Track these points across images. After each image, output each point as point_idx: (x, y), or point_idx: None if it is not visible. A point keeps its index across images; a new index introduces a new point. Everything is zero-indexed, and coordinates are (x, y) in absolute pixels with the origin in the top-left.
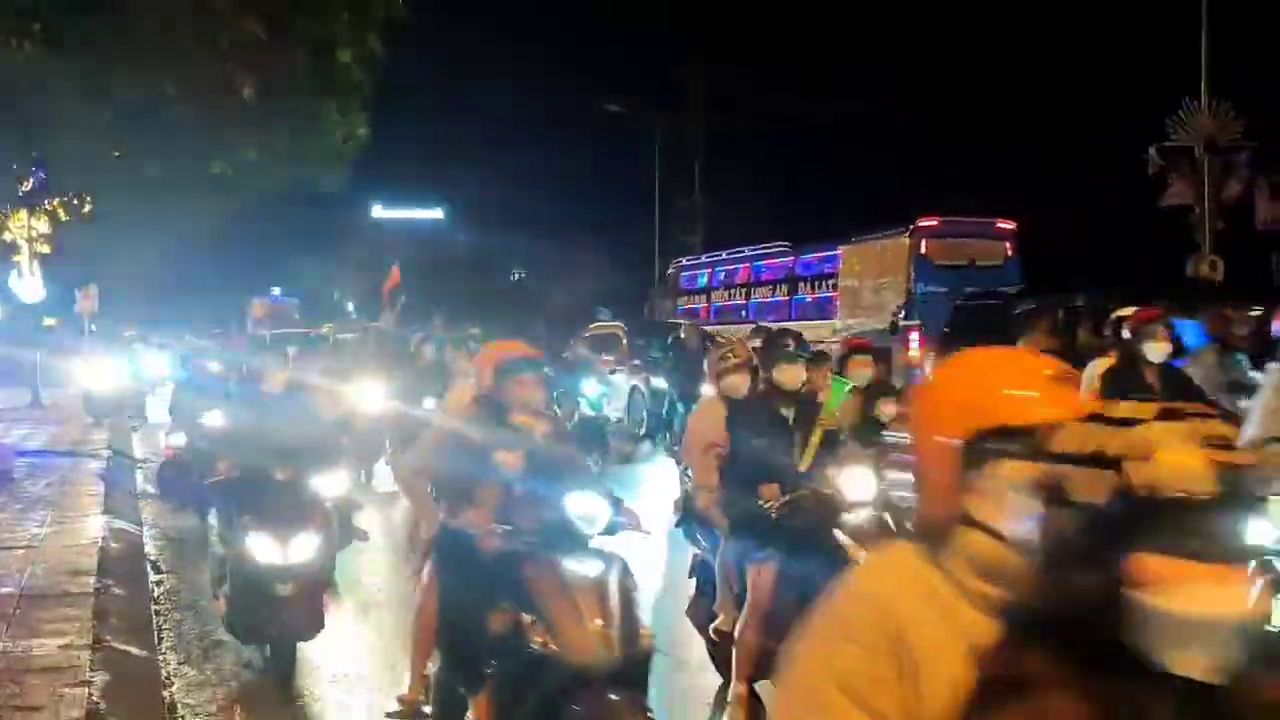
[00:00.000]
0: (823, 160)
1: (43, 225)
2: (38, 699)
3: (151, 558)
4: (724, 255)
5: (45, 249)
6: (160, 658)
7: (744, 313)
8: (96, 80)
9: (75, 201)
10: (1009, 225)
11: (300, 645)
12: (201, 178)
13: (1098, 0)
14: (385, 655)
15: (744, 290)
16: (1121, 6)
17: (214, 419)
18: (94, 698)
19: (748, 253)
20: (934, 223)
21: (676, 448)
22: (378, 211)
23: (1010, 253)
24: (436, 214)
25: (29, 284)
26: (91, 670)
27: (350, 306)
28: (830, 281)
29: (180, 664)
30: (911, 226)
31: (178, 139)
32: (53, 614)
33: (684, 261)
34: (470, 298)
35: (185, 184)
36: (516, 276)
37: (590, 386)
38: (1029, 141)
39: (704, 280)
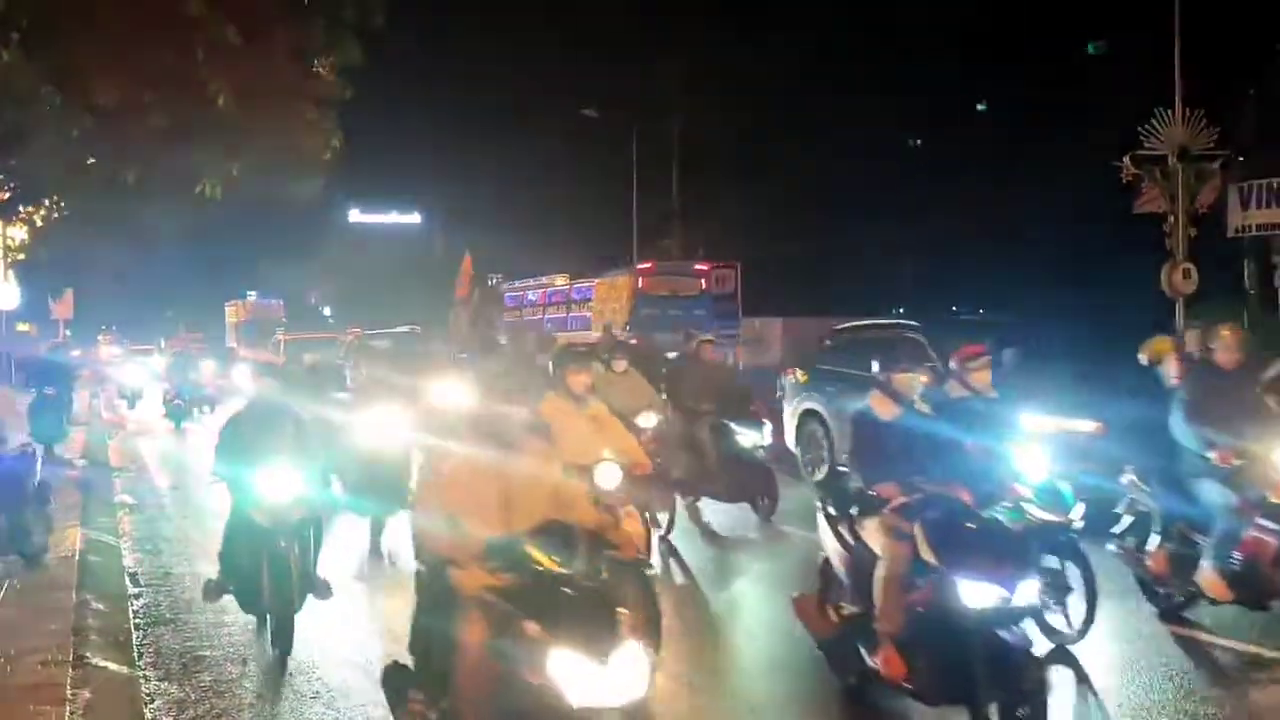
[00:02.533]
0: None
1: (20, 232)
2: (18, 718)
3: (130, 571)
4: (530, 281)
5: (21, 256)
6: (140, 675)
7: (545, 325)
8: (74, 87)
9: (50, 208)
10: (704, 266)
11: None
12: (178, 184)
13: (1076, 9)
14: (367, 671)
15: (541, 308)
16: (1096, 15)
17: None
18: (74, 716)
19: (543, 280)
20: (648, 265)
21: None
22: (354, 215)
23: (704, 286)
24: (414, 218)
25: (4, 291)
26: (72, 688)
27: (327, 311)
28: (590, 304)
29: (161, 681)
30: (634, 268)
31: (154, 146)
32: (32, 630)
33: (504, 285)
34: (450, 301)
35: (161, 190)
36: (492, 280)
37: None
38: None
39: (516, 300)
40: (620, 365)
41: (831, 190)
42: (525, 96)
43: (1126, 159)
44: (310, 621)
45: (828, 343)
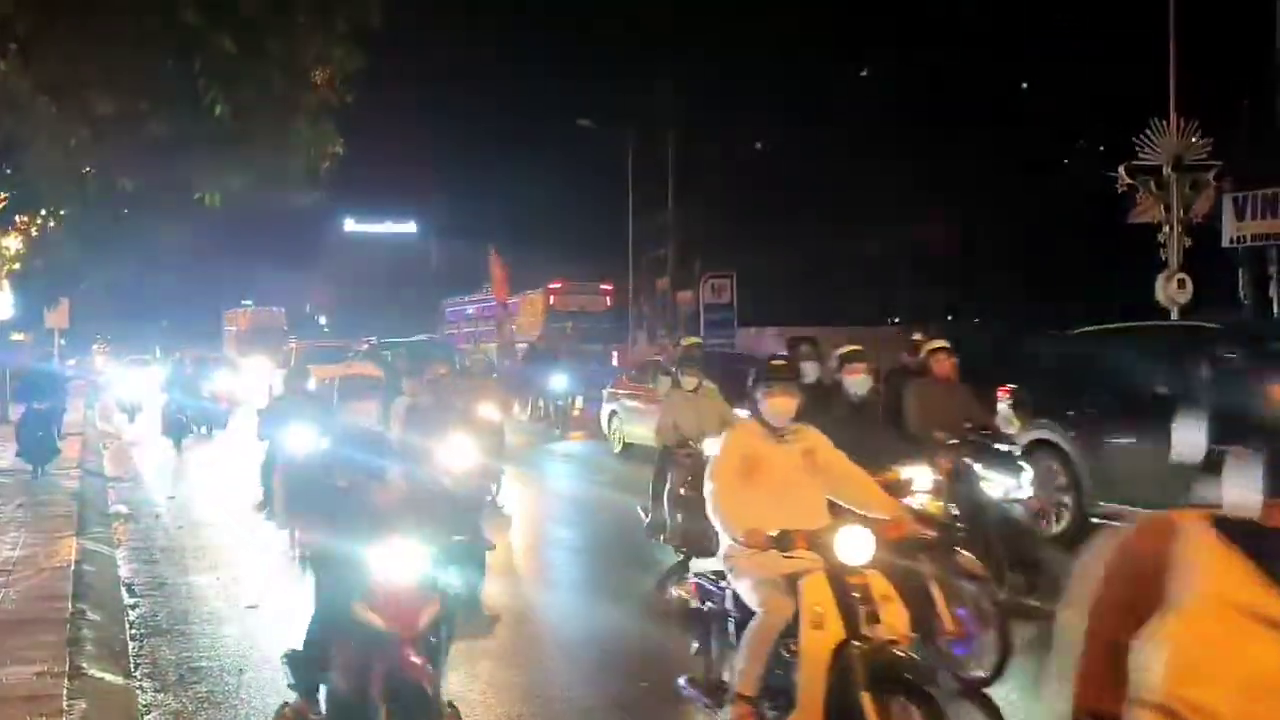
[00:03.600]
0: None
1: (15, 243)
2: None
3: (126, 581)
4: (466, 299)
5: (15, 266)
6: (137, 686)
7: (477, 338)
8: (71, 97)
9: (47, 217)
10: (608, 286)
11: None
12: (174, 194)
13: (1071, 20)
14: None
15: (476, 322)
16: (1094, 26)
17: None
18: None
19: (479, 298)
20: (559, 284)
21: None
22: (350, 225)
23: (610, 304)
24: (409, 227)
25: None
26: (68, 699)
27: (323, 320)
28: (518, 318)
29: (157, 692)
30: (545, 287)
31: (152, 156)
32: (27, 640)
33: (447, 301)
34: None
35: (158, 200)
36: (486, 289)
37: None
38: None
39: (457, 315)
40: (691, 381)
41: (829, 200)
42: (522, 107)
43: (1121, 169)
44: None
45: (1049, 349)
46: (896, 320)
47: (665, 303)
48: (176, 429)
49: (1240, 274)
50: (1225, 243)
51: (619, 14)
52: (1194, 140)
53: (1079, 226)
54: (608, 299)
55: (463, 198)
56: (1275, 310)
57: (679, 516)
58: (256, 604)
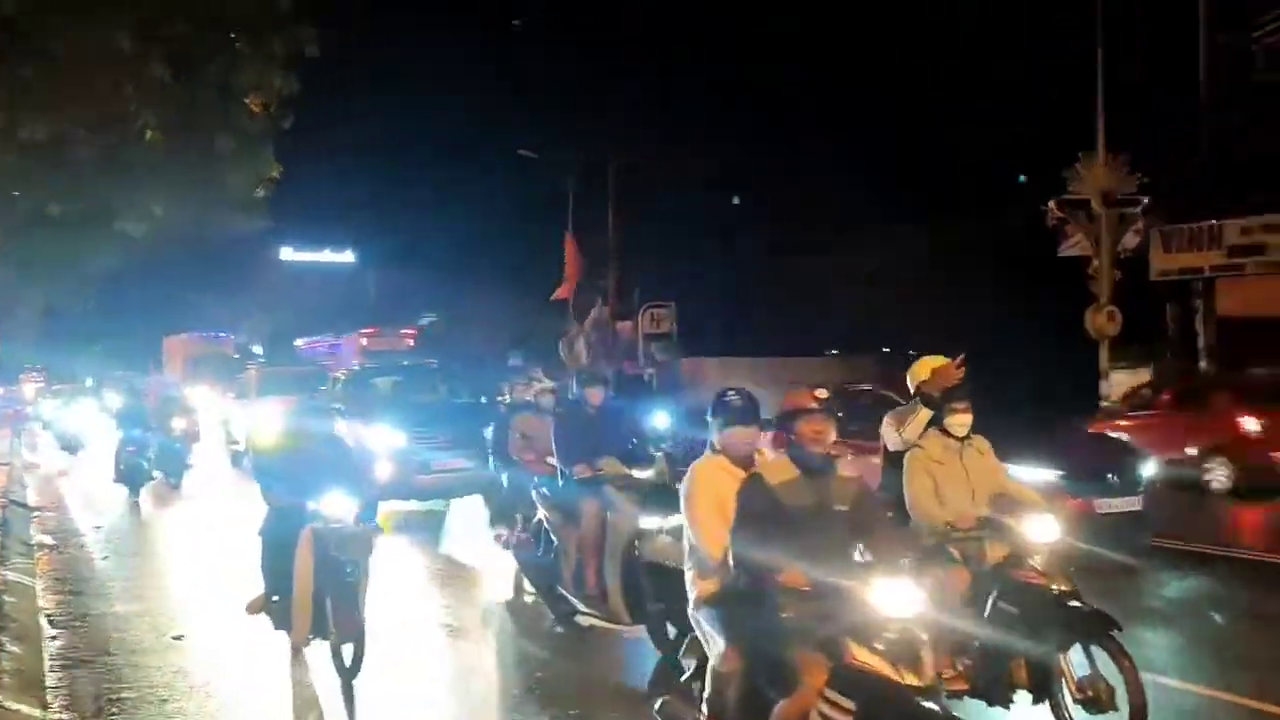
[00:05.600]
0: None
1: None
2: None
3: (47, 612)
4: (318, 339)
5: None
6: (54, 718)
7: None
8: (2, 121)
9: None
10: (410, 330)
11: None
12: (107, 219)
13: (1001, 58)
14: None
15: (326, 360)
16: (1023, 61)
17: None
18: None
19: (314, 339)
20: (371, 330)
21: None
22: (287, 254)
23: (411, 346)
24: (347, 256)
25: None
26: None
27: (258, 349)
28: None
29: None
30: (359, 330)
31: (83, 180)
32: None
33: (300, 340)
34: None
35: (89, 225)
36: (427, 321)
37: None
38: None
39: (313, 352)
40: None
41: (770, 230)
42: (463, 135)
43: (1052, 203)
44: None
45: None
46: (834, 351)
47: (604, 332)
48: (133, 475)
49: (1168, 307)
50: (1153, 276)
51: (561, 43)
52: (1122, 176)
53: (1015, 259)
54: (410, 342)
55: (402, 227)
56: (1199, 341)
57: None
58: (182, 634)
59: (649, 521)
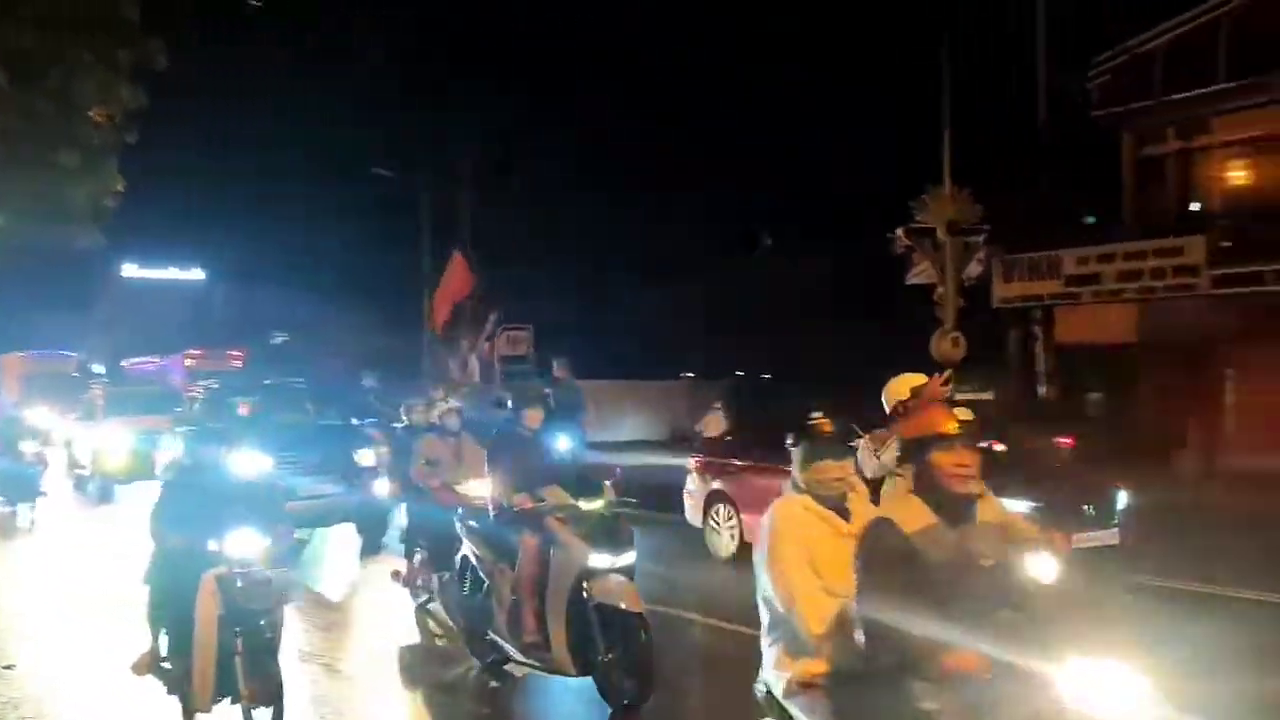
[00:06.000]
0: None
1: None
2: None
3: None
4: (146, 358)
5: None
6: None
7: None
8: None
9: None
10: (238, 351)
11: None
12: None
13: (852, 94)
14: None
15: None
16: (873, 98)
17: None
18: None
19: (140, 360)
20: (199, 351)
21: None
22: (129, 270)
23: (239, 367)
24: (196, 274)
25: None
26: None
27: (100, 369)
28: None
29: None
30: (184, 352)
31: None
32: None
33: (126, 361)
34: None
35: None
36: (279, 340)
37: None
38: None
39: (137, 373)
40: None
41: (622, 253)
42: (318, 152)
43: (900, 231)
44: None
45: None
46: (689, 374)
47: (457, 352)
48: None
49: (1010, 334)
50: (996, 304)
51: (418, 60)
52: (967, 207)
53: (865, 286)
54: (238, 363)
55: (254, 245)
56: (1040, 365)
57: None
58: (13, 664)
59: (599, 559)
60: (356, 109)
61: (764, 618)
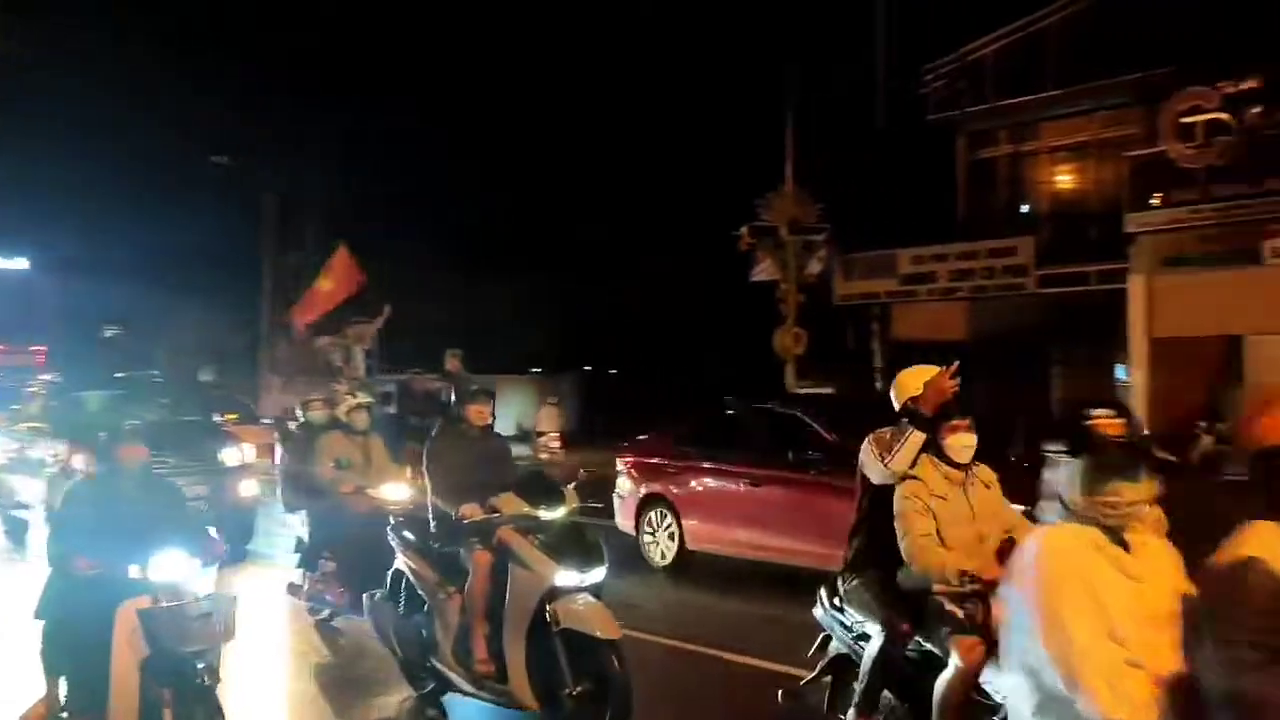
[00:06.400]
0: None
1: None
2: None
3: None
4: None
5: None
6: None
7: None
8: None
9: None
10: (40, 347)
11: None
12: None
13: (699, 95)
14: None
15: None
16: (719, 102)
17: None
18: None
19: None
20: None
21: None
22: None
23: (39, 363)
24: (21, 264)
25: None
26: None
27: None
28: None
29: None
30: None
31: None
32: None
33: None
34: (66, 355)
35: None
36: (110, 332)
37: None
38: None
39: None
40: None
41: (468, 248)
42: (156, 140)
43: (744, 229)
44: None
45: None
46: (538, 370)
47: (301, 348)
48: None
49: (848, 330)
50: (835, 301)
51: (261, 49)
52: (808, 207)
53: (710, 282)
54: (39, 359)
55: (86, 235)
56: (876, 361)
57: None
58: None
59: (565, 577)
60: (195, 93)
61: (1025, 697)
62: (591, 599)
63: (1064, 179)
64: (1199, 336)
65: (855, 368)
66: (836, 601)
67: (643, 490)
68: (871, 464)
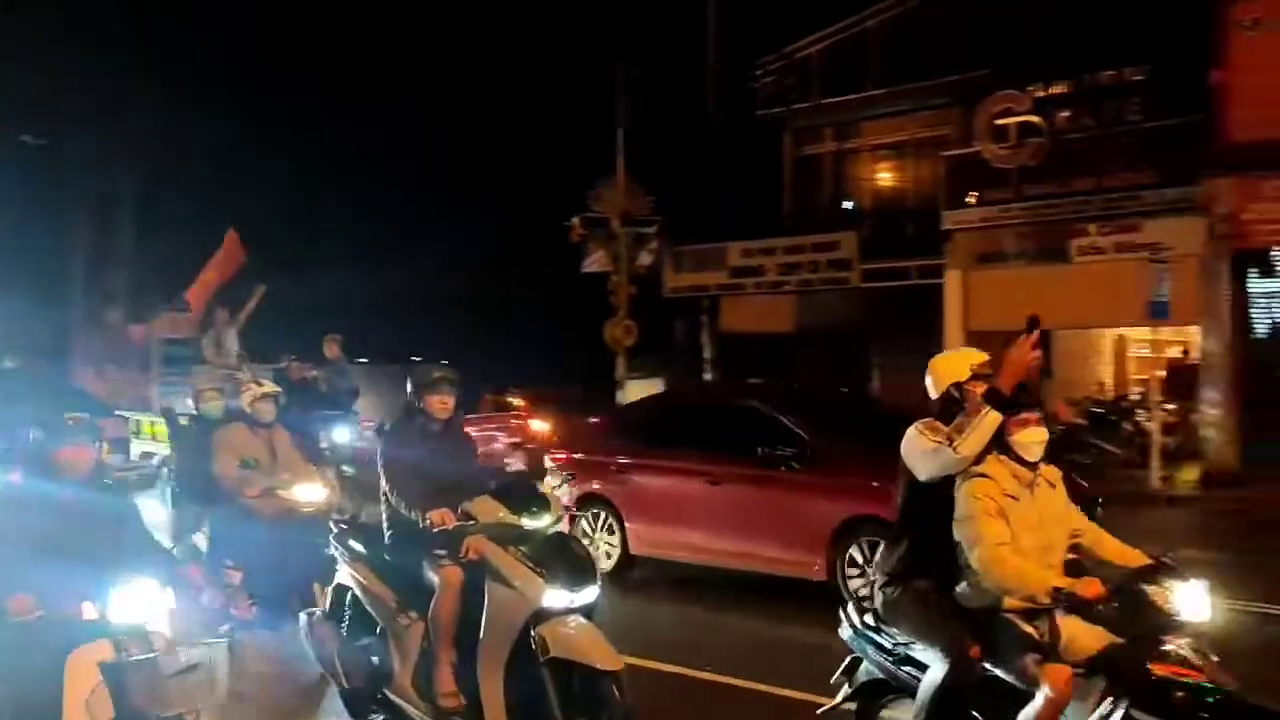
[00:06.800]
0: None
1: None
2: None
3: None
4: None
5: None
6: None
7: None
8: None
9: None
10: None
11: None
12: None
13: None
14: None
15: None
16: (551, 94)
17: None
18: None
19: None
20: None
21: None
22: None
23: None
24: None
25: None
26: None
27: None
28: None
29: None
30: None
31: None
32: None
33: None
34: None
35: None
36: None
37: None
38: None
39: None
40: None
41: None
42: None
43: (576, 220)
44: None
45: None
46: (362, 360)
47: (114, 337)
48: None
49: (676, 323)
50: (666, 293)
51: (70, 23)
52: (639, 199)
53: (545, 274)
54: None
55: None
56: (705, 353)
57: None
58: None
59: (554, 597)
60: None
61: None
62: (583, 621)
63: (885, 177)
64: (1010, 330)
65: (684, 360)
66: (868, 619)
67: (577, 490)
68: (924, 454)
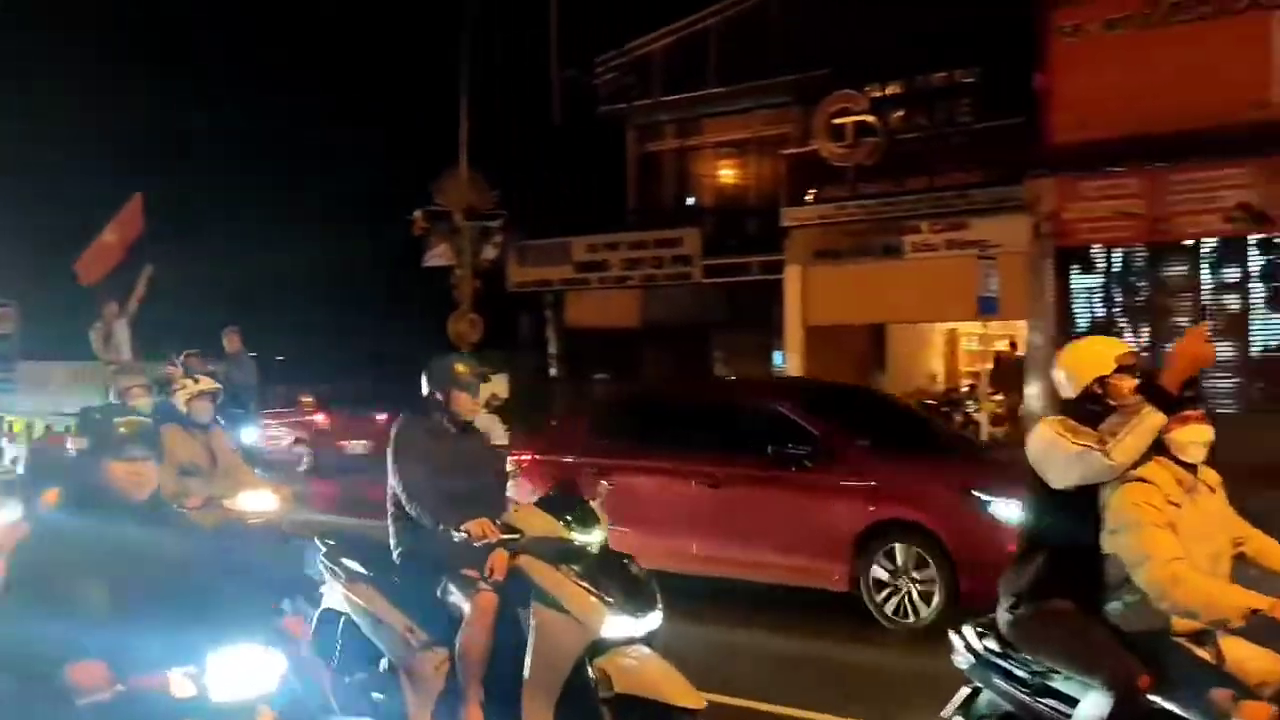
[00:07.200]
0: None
1: None
2: None
3: None
4: None
5: None
6: None
7: None
8: None
9: None
10: None
11: None
12: None
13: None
14: None
15: None
16: (397, 83)
17: None
18: None
19: None
20: None
21: None
22: None
23: None
24: None
25: None
26: None
27: None
28: None
29: None
30: None
31: None
32: None
33: None
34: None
35: None
36: None
37: None
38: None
39: None
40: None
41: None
42: None
43: (418, 213)
44: None
45: None
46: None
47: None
48: None
49: (521, 318)
50: (510, 287)
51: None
52: (483, 192)
53: (387, 266)
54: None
55: None
56: (550, 348)
57: None
58: None
59: (617, 625)
60: None
61: None
62: (647, 651)
63: (726, 174)
64: (847, 324)
65: (530, 355)
66: (989, 644)
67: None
68: (1068, 459)
